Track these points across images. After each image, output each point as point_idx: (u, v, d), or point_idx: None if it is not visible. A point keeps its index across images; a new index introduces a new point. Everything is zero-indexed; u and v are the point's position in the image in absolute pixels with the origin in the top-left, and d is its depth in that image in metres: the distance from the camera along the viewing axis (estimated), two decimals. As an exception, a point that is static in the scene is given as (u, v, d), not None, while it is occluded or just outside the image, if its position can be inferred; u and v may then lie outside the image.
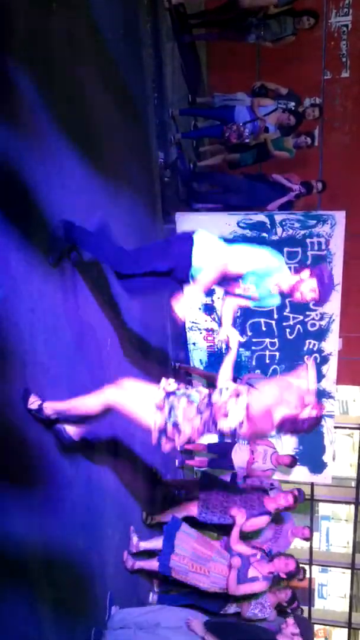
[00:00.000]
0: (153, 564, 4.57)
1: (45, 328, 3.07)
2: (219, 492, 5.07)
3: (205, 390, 3.07)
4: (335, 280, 5.93)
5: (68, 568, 3.39)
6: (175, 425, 2.92)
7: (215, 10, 6.41)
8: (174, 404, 2.94)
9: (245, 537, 4.96)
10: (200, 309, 6.29)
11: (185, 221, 5.97)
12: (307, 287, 3.19)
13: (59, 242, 3.11)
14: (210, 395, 3.00)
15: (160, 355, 5.73)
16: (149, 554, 4.69)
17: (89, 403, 3.01)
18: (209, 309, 6.28)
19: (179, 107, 6.19)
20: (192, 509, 5.00)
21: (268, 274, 3.21)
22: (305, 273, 3.18)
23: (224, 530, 5.07)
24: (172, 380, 3.10)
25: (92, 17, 3.88)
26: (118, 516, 4.34)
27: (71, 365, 3.43)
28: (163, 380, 3.09)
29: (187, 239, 3.23)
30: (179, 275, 3.23)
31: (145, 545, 4.64)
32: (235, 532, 4.62)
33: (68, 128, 3.36)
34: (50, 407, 2.94)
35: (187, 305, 3.21)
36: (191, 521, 4.96)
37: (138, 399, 2.97)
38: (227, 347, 3.35)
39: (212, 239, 3.30)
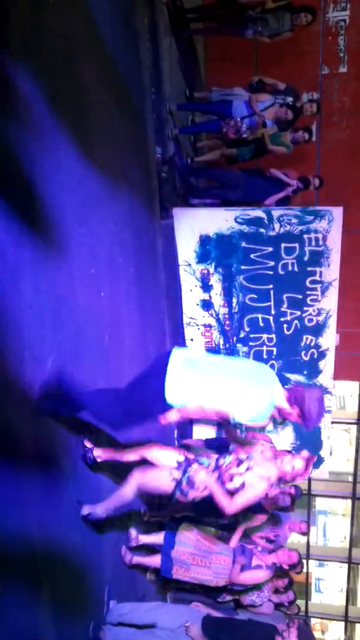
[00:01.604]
0: (152, 560, 4.59)
1: (43, 324, 3.07)
2: None
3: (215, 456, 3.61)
4: (332, 277, 5.95)
5: (66, 562, 3.40)
6: (188, 479, 3.51)
7: (213, 5, 6.39)
8: (189, 471, 3.52)
9: (244, 533, 4.99)
10: (198, 305, 6.29)
11: (183, 216, 5.96)
12: (294, 418, 3.26)
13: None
14: (218, 458, 3.59)
15: (158, 350, 5.73)
16: (148, 549, 4.70)
17: (130, 457, 3.67)
18: (207, 305, 6.29)
19: (177, 102, 6.17)
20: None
21: (259, 411, 3.10)
22: (295, 410, 3.19)
23: (222, 526, 5.09)
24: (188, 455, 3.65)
25: (89, 11, 3.86)
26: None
27: (69, 360, 3.43)
28: (179, 452, 3.65)
29: (158, 390, 3.05)
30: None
31: (145, 539, 4.65)
32: (236, 536, 4.65)
33: (64, 123, 3.35)
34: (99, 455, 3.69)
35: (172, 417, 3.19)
36: (189, 518, 4.97)
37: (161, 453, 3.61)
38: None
39: (184, 373, 3.05)
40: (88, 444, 3.63)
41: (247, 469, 3.47)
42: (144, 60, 5.27)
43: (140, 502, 4.97)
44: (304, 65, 7.25)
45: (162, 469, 3.53)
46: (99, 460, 3.65)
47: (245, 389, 3.04)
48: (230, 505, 3.48)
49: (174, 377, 3.01)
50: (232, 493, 3.49)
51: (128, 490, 3.62)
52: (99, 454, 3.64)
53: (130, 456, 3.67)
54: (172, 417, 3.17)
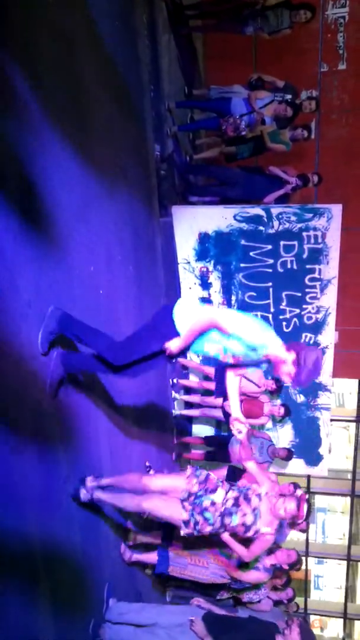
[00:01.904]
0: (150, 557, 4.59)
1: (42, 322, 3.07)
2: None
3: (220, 499, 3.50)
4: (331, 274, 5.96)
5: (66, 560, 3.40)
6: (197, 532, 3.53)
7: (212, 2, 6.38)
8: (194, 519, 3.50)
9: None
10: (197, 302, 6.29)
11: (182, 214, 5.97)
12: (286, 370, 3.14)
13: (50, 331, 3.11)
14: (223, 513, 3.49)
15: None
16: (147, 546, 4.71)
17: (130, 505, 3.62)
18: (206, 303, 6.29)
19: (176, 100, 6.16)
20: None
21: (254, 347, 3.11)
22: (291, 355, 3.10)
23: None
24: (194, 481, 3.58)
25: (88, 9, 3.85)
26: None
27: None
28: (187, 481, 3.58)
29: (168, 314, 3.21)
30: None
31: (143, 538, 4.66)
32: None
33: (63, 121, 3.34)
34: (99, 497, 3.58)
35: (179, 343, 3.16)
36: None
37: (166, 509, 3.54)
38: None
39: (191, 305, 3.27)
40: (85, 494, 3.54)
41: (255, 532, 3.50)
42: (143, 57, 5.26)
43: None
44: (303, 63, 7.24)
45: (174, 509, 3.52)
46: (94, 499, 3.58)
47: (245, 318, 3.17)
48: (247, 556, 3.66)
49: (183, 302, 3.25)
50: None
51: (130, 502, 3.63)
52: (99, 495, 3.57)
53: (129, 504, 3.63)
54: (175, 346, 3.14)
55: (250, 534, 3.50)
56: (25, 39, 2.94)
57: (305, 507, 3.59)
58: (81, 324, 3.25)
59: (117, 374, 3.36)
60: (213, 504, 3.48)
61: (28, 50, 2.95)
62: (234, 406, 3.60)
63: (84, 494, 3.48)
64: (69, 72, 3.50)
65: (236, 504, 3.50)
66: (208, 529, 3.51)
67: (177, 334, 3.15)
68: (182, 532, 3.53)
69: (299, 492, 3.74)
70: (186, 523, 3.49)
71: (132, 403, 4.84)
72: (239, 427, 3.53)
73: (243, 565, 4.05)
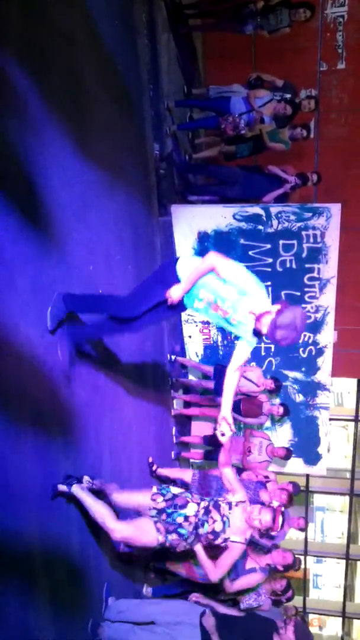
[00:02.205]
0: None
1: (41, 322, 3.07)
2: (211, 482, 5.10)
3: (192, 512, 3.44)
4: (330, 274, 5.96)
5: (65, 560, 3.41)
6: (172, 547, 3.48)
7: (212, 1, 6.37)
8: (170, 540, 3.42)
9: None
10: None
11: (181, 213, 5.96)
12: (266, 320, 3.11)
13: (59, 311, 3.25)
14: (196, 525, 3.44)
15: (156, 347, 5.73)
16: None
17: (105, 524, 3.39)
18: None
19: (175, 99, 6.16)
20: None
21: (245, 293, 3.16)
22: (276, 307, 3.10)
23: None
24: (160, 499, 3.48)
25: (88, 8, 3.85)
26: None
27: (66, 356, 3.43)
28: (152, 501, 3.47)
29: (171, 264, 3.33)
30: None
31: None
32: None
33: (62, 120, 3.34)
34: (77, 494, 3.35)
35: (180, 290, 3.21)
36: None
37: (140, 535, 3.42)
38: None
39: (193, 258, 3.38)
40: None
41: (224, 540, 3.46)
42: (142, 56, 5.26)
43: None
44: (303, 62, 7.23)
45: (147, 535, 3.41)
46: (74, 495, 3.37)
47: (242, 268, 3.27)
48: (215, 573, 3.57)
49: (183, 259, 3.34)
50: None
51: (113, 528, 3.42)
52: (77, 492, 3.36)
53: (99, 517, 3.39)
54: (177, 292, 3.17)
55: (218, 541, 3.46)
56: (25, 38, 2.94)
57: (280, 519, 3.54)
58: (85, 297, 3.44)
59: (122, 328, 3.49)
60: (186, 518, 3.43)
61: (27, 50, 2.95)
62: (226, 404, 3.42)
63: (61, 486, 3.29)
64: (68, 72, 3.50)
65: (207, 512, 3.47)
66: (182, 545, 3.47)
67: (177, 281, 3.22)
68: (155, 542, 3.44)
69: (275, 503, 3.73)
70: (162, 545, 3.44)
71: (133, 402, 4.84)
72: (224, 429, 3.36)
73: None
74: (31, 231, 2.96)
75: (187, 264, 3.27)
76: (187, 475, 5.26)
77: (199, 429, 6.99)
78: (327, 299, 6.09)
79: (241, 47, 7.22)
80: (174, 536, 3.40)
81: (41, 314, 3.08)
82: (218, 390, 6.25)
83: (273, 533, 3.68)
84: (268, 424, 6.64)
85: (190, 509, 3.45)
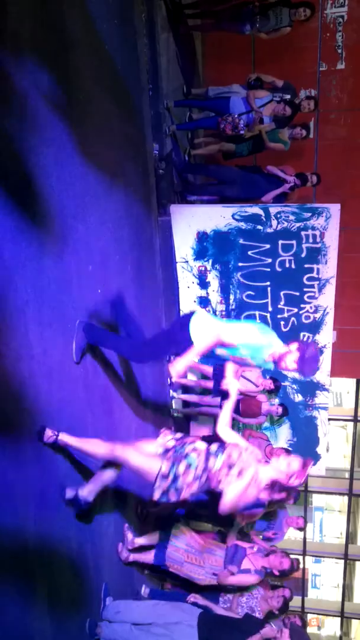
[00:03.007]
0: (148, 557, 4.60)
1: (41, 321, 3.07)
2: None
3: (203, 446, 3.29)
4: (329, 274, 5.96)
5: (63, 560, 3.41)
6: (175, 488, 3.22)
7: (211, 1, 6.37)
8: (175, 469, 3.21)
9: (240, 530, 5.00)
10: (195, 301, 6.29)
11: (180, 213, 5.96)
12: (292, 358, 3.40)
13: (81, 341, 3.60)
14: (207, 456, 3.24)
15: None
16: (144, 547, 4.72)
17: (99, 450, 3.33)
18: (204, 302, 6.29)
19: (174, 99, 6.15)
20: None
21: (260, 348, 3.44)
22: (294, 345, 3.39)
23: (219, 522, 5.10)
24: (169, 437, 3.38)
25: (87, 7, 3.85)
26: (113, 509, 4.35)
27: (65, 355, 3.43)
28: (161, 437, 3.39)
29: (185, 323, 3.62)
30: (182, 353, 3.55)
31: (140, 541, 4.67)
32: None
33: (61, 119, 3.34)
34: (65, 440, 3.24)
35: (182, 366, 3.47)
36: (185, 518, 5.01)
37: (142, 458, 3.27)
38: (227, 395, 3.54)
39: (207, 318, 3.66)
40: (50, 436, 3.17)
41: (239, 473, 3.17)
42: (142, 56, 5.25)
43: (137, 501, 4.99)
44: (302, 62, 7.23)
45: (148, 471, 3.24)
46: (60, 444, 3.25)
47: (252, 328, 3.54)
48: (221, 507, 3.26)
49: (200, 314, 3.65)
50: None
51: (111, 476, 3.45)
52: (65, 439, 3.25)
53: (98, 450, 3.33)
54: (179, 368, 3.43)
55: (234, 471, 3.15)
56: (24, 37, 2.93)
57: (309, 469, 3.40)
58: (103, 334, 3.81)
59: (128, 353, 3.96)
60: (195, 449, 3.27)
61: (26, 49, 2.94)
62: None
63: (47, 436, 3.15)
64: (67, 71, 3.50)
65: (222, 446, 3.28)
66: (190, 478, 3.20)
67: (190, 342, 3.50)
68: (155, 495, 3.22)
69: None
70: (164, 477, 3.19)
71: (131, 403, 4.84)
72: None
73: None
74: (30, 231, 2.96)
75: (201, 323, 3.55)
76: None
77: (198, 429, 6.99)
78: (326, 299, 6.09)
79: (241, 47, 7.21)
80: (181, 467, 3.20)
81: (40, 312, 3.08)
82: (217, 390, 6.25)
83: (295, 480, 3.33)
84: (267, 424, 6.64)
85: (200, 444, 3.32)
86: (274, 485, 3.24)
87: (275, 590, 4.75)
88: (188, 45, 6.93)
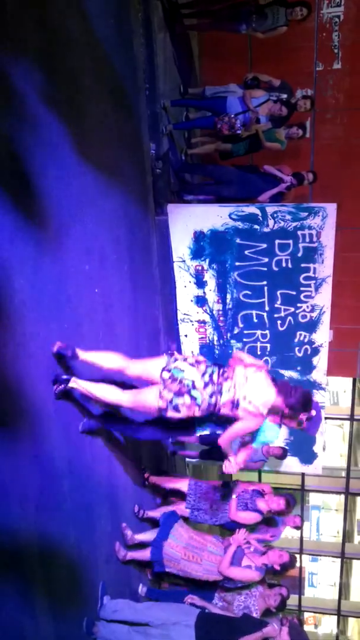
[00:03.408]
0: (145, 554, 4.62)
1: (38, 320, 3.07)
2: (208, 493, 5.12)
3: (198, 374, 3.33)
4: (326, 273, 5.98)
5: (60, 559, 3.41)
6: (176, 408, 3.33)
7: (208, 0, 6.37)
8: (174, 401, 3.30)
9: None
10: (192, 301, 6.30)
11: (177, 213, 5.96)
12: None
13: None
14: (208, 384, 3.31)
15: (152, 346, 5.74)
16: (142, 545, 4.73)
17: (108, 363, 3.48)
18: (201, 301, 6.29)
19: (171, 98, 6.16)
20: (183, 509, 5.05)
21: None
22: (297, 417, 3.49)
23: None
24: (169, 380, 3.35)
25: (83, 6, 3.84)
26: (110, 508, 4.36)
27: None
28: (165, 358, 3.45)
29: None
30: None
31: (140, 537, 4.68)
32: (231, 550, 4.63)
33: (58, 119, 3.34)
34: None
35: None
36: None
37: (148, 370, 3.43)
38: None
39: None
40: (64, 377, 3.36)
41: (244, 397, 3.28)
42: (138, 55, 5.25)
43: (134, 499, 5.00)
44: (299, 62, 7.24)
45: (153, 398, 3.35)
46: (69, 388, 3.39)
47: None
48: (222, 437, 3.49)
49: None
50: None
51: (119, 399, 3.50)
52: (74, 385, 3.39)
53: (106, 393, 3.47)
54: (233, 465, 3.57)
55: (238, 397, 3.28)
56: (20, 35, 2.93)
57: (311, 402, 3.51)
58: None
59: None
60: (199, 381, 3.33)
61: (22, 47, 2.94)
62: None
63: (57, 387, 3.31)
64: (64, 71, 3.50)
65: (223, 374, 3.36)
66: (192, 411, 3.33)
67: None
68: (163, 406, 3.33)
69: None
70: (163, 411, 3.35)
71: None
72: (229, 469, 3.60)
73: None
74: (27, 230, 2.96)
75: None
76: (183, 485, 5.26)
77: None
78: (323, 298, 6.10)
79: (237, 46, 7.22)
80: (186, 398, 3.29)
81: (38, 312, 3.08)
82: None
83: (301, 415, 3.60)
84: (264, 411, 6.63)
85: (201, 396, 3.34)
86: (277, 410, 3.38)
87: (273, 589, 4.76)
88: (185, 44, 6.93)
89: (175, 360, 3.38)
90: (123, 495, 4.73)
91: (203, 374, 3.32)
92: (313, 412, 3.44)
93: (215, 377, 3.32)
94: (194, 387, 3.28)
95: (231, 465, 3.52)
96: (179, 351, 6.73)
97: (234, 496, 4.92)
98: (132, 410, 3.60)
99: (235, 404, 3.29)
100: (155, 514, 5.07)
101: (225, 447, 3.53)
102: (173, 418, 3.37)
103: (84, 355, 3.37)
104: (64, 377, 3.35)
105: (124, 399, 3.44)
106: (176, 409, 3.31)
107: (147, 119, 5.56)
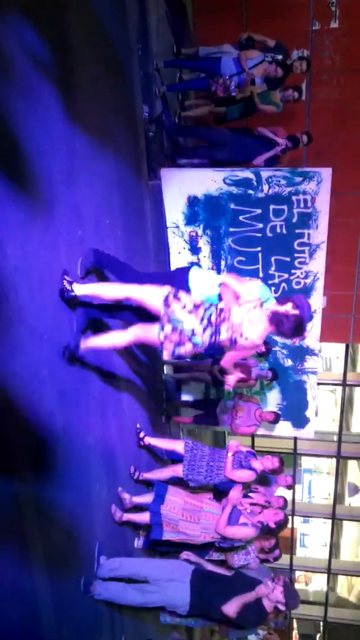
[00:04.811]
0: (142, 517, 4.71)
1: (30, 287, 3.06)
2: (204, 453, 5.19)
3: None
4: (320, 239, 5.96)
5: (58, 520, 3.47)
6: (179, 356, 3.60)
7: None
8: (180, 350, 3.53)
9: None
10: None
11: (171, 177, 5.89)
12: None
13: (87, 262, 3.85)
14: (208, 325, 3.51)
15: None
16: (138, 508, 4.82)
17: (113, 292, 3.66)
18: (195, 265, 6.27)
19: (164, 59, 6.01)
20: (178, 470, 5.13)
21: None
22: (289, 305, 3.44)
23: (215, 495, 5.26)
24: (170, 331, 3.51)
25: None
26: (105, 470, 4.42)
27: (57, 322, 3.44)
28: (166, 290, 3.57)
29: (186, 270, 4.05)
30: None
31: (138, 500, 4.77)
32: (227, 510, 4.72)
33: (48, 80, 3.26)
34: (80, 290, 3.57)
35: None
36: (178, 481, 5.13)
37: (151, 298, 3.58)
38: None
39: (205, 271, 4.09)
40: (68, 278, 3.52)
41: (240, 335, 3.50)
42: (130, 15, 5.11)
43: (130, 461, 5.07)
44: (295, 21, 7.05)
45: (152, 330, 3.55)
46: (75, 295, 3.54)
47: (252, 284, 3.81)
48: (224, 360, 3.82)
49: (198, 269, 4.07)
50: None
51: (123, 339, 3.68)
52: (79, 290, 3.55)
53: (113, 293, 3.66)
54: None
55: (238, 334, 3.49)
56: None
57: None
58: (110, 258, 4.05)
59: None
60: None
61: (10, 8, 2.85)
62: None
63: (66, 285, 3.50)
64: (53, 32, 3.39)
65: (221, 313, 3.55)
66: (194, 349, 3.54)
67: (187, 288, 3.85)
68: (165, 355, 3.52)
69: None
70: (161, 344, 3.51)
71: (124, 368, 4.87)
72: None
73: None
74: (19, 196, 2.92)
75: (198, 276, 3.91)
76: (178, 445, 5.33)
77: (189, 393, 7.07)
78: (317, 264, 6.09)
79: (232, 5, 7.03)
80: (187, 346, 3.50)
81: (30, 279, 3.06)
82: (207, 355, 6.31)
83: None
84: (257, 388, 6.72)
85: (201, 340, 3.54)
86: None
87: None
88: (178, 3, 6.74)
89: (173, 311, 3.50)
90: (119, 457, 4.79)
91: (202, 319, 3.50)
92: (306, 334, 3.60)
93: (213, 318, 3.51)
94: (193, 334, 3.48)
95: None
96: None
97: (229, 454, 5.02)
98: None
99: (233, 342, 3.52)
100: (151, 476, 5.15)
101: (228, 367, 4.01)
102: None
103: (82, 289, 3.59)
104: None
105: (127, 338, 3.66)
106: (180, 356, 3.61)
107: (140, 80, 5.44)
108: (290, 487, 5.99)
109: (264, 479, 5.64)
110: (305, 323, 3.44)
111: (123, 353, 4.87)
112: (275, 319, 3.45)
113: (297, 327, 3.43)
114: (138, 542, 5.13)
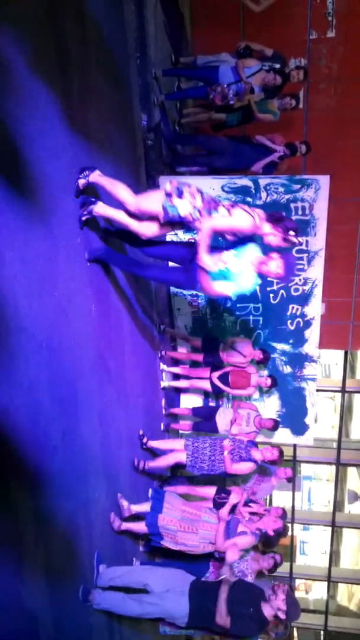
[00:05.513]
0: (141, 526, 4.69)
1: (30, 294, 3.06)
2: (205, 445, 5.25)
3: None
4: (318, 246, 5.98)
5: (56, 529, 3.46)
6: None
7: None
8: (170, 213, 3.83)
9: (233, 482, 5.16)
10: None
11: (169, 185, 5.90)
12: (276, 264, 3.81)
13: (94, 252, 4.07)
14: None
15: (145, 320, 5.74)
16: (136, 516, 4.80)
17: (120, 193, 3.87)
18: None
19: (162, 68, 6.04)
20: (182, 457, 5.18)
21: (246, 249, 3.92)
22: (275, 254, 3.78)
23: (211, 481, 5.27)
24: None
25: (72, -29, 3.74)
26: (104, 478, 4.41)
27: (56, 329, 3.43)
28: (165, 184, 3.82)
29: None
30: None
31: (136, 508, 4.75)
32: (226, 507, 4.73)
33: (48, 89, 3.28)
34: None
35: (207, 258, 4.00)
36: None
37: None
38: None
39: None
40: (92, 199, 3.84)
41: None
42: (129, 23, 5.14)
43: (129, 469, 5.05)
44: (292, 30, 7.10)
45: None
46: (95, 215, 3.87)
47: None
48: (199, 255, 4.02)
49: None
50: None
51: (130, 199, 3.84)
52: (99, 210, 3.86)
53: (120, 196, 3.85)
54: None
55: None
56: (6, 2, 2.86)
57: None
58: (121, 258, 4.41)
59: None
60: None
61: (10, 17, 2.87)
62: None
63: (82, 182, 3.74)
64: (53, 40, 3.42)
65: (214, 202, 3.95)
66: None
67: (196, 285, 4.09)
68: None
69: None
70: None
71: (123, 375, 4.87)
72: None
73: None
74: (18, 203, 2.93)
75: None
76: (178, 444, 5.37)
77: (188, 401, 7.06)
78: (315, 271, 6.11)
79: (229, 13, 7.07)
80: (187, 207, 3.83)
81: (30, 285, 3.07)
82: (207, 362, 6.31)
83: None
84: (256, 395, 6.71)
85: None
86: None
87: (267, 554, 4.90)
88: (176, 11, 6.79)
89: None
90: (118, 464, 4.78)
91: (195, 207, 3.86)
92: (293, 234, 3.80)
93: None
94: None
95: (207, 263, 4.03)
96: (172, 326, 6.76)
97: (225, 453, 5.09)
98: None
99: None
100: (155, 464, 5.22)
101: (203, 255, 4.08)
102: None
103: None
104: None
105: (131, 201, 3.82)
106: (173, 219, 3.90)
107: (138, 89, 5.46)
108: (290, 479, 6.01)
109: (264, 469, 5.73)
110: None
111: (121, 364, 4.86)
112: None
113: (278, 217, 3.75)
114: (136, 563, 5.12)
